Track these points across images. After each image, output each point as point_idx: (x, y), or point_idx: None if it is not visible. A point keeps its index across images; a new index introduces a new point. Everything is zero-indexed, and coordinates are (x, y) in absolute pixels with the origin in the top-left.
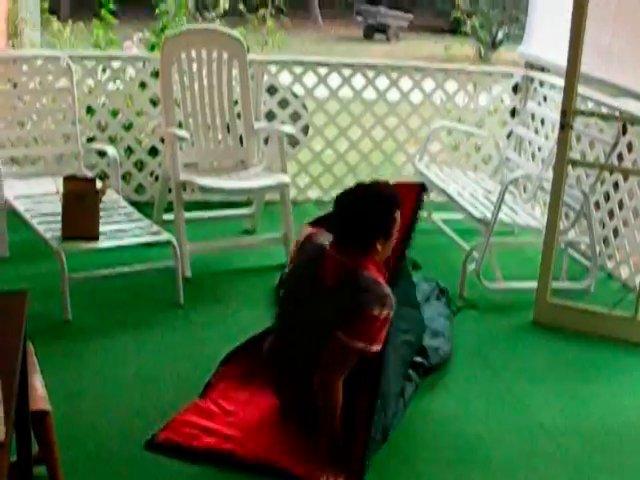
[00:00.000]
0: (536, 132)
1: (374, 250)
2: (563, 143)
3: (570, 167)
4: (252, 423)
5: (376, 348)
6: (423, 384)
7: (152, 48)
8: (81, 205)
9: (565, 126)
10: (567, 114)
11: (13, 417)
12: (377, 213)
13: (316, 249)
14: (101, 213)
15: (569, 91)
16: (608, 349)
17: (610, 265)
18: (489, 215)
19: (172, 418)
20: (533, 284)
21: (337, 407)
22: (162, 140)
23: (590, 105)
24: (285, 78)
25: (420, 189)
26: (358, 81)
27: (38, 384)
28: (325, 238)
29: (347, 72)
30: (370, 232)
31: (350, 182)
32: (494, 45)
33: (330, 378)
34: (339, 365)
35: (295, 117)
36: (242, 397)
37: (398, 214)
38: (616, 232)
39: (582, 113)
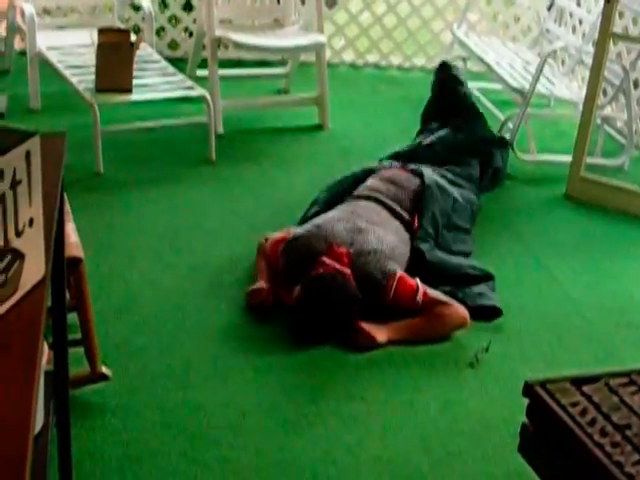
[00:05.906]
0: (578, 5)
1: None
2: (607, 16)
3: (611, 42)
4: None
5: None
6: None
7: None
8: (115, 56)
9: None
10: None
11: (50, 260)
12: (346, 308)
13: None
14: (135, 66)
15: None
16: (638, 227)
17: None
18: (527, 85)
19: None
20: (567, 158)
21: None
22: None
23: None
24: None
25: None
26: None
27: (72, 232)
28: None
29: None
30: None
31: (385, 47)
32: None
33: None
34: None
35: None
36: None
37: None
38: None
39: None
